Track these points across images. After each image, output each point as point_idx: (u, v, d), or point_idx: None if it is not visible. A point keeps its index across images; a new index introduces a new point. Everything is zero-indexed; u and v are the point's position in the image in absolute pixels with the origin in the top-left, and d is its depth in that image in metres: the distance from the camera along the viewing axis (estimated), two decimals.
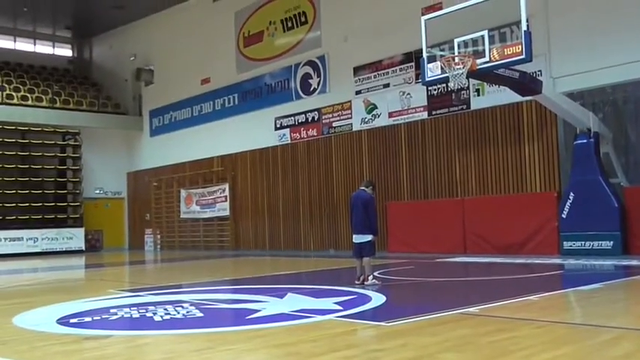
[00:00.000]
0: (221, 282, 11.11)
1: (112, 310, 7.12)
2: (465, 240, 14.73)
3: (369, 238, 8.82)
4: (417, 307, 7.02)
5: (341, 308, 6.64)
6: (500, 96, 14.54)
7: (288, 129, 20.23)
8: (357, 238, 8.89)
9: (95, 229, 25.89)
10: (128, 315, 6.81)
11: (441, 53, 11.62)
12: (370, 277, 8.74)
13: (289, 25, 20.40)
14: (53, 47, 30.08)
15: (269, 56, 21.01)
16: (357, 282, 8.80)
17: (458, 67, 10.79)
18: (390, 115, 17.22)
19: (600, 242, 12.39)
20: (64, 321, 6.51)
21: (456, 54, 11.00)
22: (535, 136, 14.32)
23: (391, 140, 17.17)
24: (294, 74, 20.06)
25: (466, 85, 14.00)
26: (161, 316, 6.53)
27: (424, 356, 4.32)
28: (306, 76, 19.71)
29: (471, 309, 6.22)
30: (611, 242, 12.27)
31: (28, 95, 24.94)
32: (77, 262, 19.22)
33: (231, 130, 22.35)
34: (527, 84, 11.74)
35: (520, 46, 10.28)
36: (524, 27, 10.25)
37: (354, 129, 18.14)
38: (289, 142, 20.15)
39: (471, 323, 5.60)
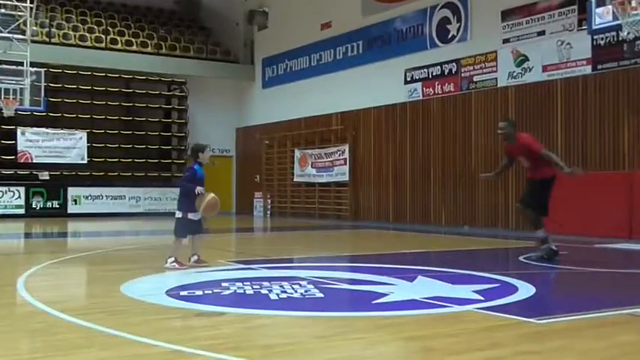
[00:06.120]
0: (340, 257, 11.30)
1: (223, 284, 7.47)
2: (631, 223, 14.10)
3: (179, 214, 9.20)
4: (573, 302, 6.84)
5: (482, 298, 6.58)
6: None
7: (419, 83, 20.00)
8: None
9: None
10: (241, 290, 7.10)
11: None
12: (170, 260, 8.90)
13: None
14: None
15: None
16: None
17: (635, 12, 10.21)
18: (545, 68, 16.60)
19: None
20: (173, 293, 6.91)
21: None
22: None
23: (544, 99, 16.58)
24: (430, 18, 19.70)
25: None
26: (277, 294, 6.77)
27: None
28: (444, 21, 19.30)
29: None
30: None
31: (133, 40, 26.06)
32: None
33: (354, 82, 22.40)
34: None
35: None
36: None
37: (499, 84, 17.65)
38: (420, 98, 19.94)
39: None
